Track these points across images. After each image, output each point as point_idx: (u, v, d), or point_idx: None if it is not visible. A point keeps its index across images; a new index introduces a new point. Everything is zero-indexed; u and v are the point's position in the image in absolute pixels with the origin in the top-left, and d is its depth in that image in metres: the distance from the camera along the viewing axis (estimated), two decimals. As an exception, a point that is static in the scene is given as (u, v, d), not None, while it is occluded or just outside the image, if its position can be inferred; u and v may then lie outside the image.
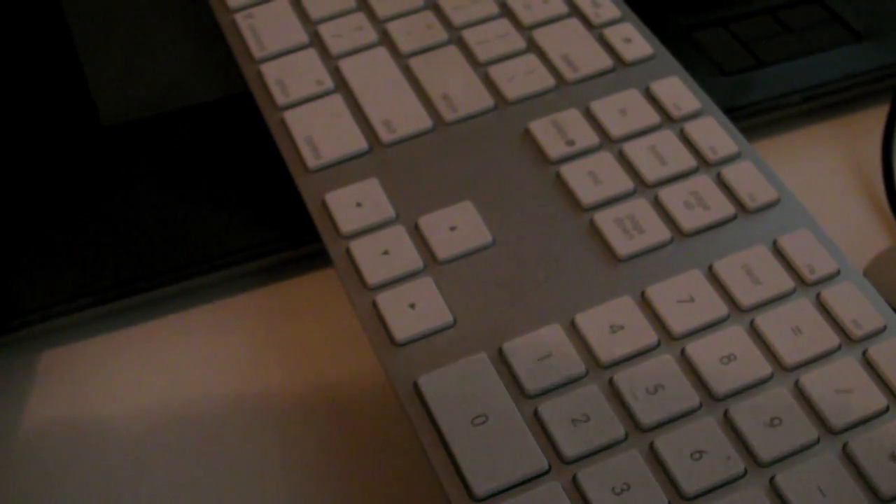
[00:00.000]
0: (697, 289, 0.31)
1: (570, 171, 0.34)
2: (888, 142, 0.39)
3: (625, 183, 0.33)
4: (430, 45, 0.38)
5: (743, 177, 0.33)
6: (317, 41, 0.38)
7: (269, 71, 0.37)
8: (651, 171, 0.34)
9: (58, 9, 0.42)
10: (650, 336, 0.30)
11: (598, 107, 0.35)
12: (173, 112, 0.39)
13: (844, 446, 0.28)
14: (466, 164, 0.34)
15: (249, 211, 0.36)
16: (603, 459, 0.28)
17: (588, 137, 0.35)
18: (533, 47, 0.38)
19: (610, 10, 0.38)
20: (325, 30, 0.38)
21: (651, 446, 0.28)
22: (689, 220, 0.32)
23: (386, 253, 0.32)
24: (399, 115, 0.36)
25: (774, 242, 0.32)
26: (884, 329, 0.30)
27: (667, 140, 0.34)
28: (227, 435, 0.33)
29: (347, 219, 0.33)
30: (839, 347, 0.30)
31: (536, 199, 0.33)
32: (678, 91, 0.36)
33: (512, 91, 0.36)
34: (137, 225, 0.36)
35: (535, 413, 0.29)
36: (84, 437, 0.33)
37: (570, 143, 0.35)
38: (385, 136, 0.35)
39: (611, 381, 0.29)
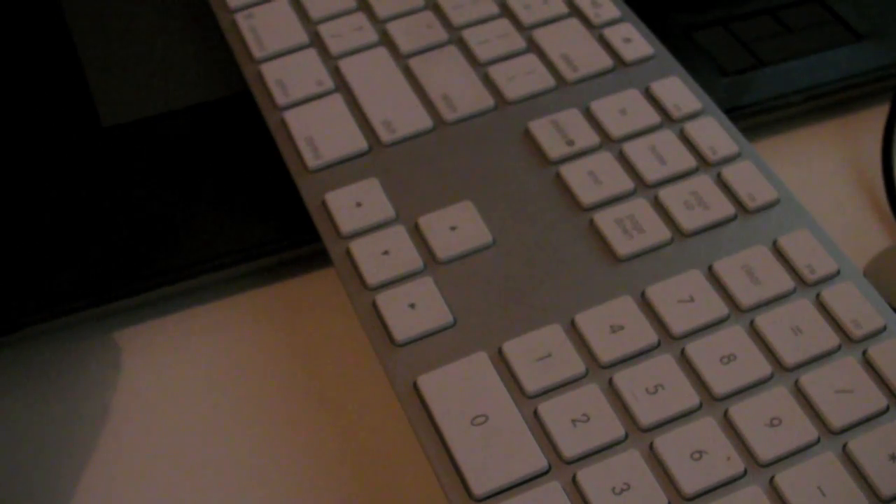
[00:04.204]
0: (697, 289, 0.31)
1: (570, 171, 0.34)
2: (888, 142, 0.39)
3: (625, 183, 0.33)
4: (430, 45, 0.38)
5: (743, 177, 0.33)
6: (317, 41, 0.38)
7: (269, 71, 0.37)
8: (651, 171, 0.34)
9: (58, 10, 0.42)
10: (650, 336, 0.30)
11: (598, 107, 0.35)
12: (173, 112, 0.39)
13: (844, 446, 0.28)
14: (466, 164, 0.34)
15: (249, 211, 0.36)
16: (603, 459, 0.28)
17: (588, 137, 0.35)
18: (533, 47, 0.38)
19: (610, 10, 0.38)
20: (325, 30, 0.38)
21: (651, 446, 0.28)
22: (689, 220, 0.32)
23: (386, 253, 0.32)
24: (399, 115, 0.36)
25: (774, 242, 0.32)
26: (884, 329, 0.30)
27: (667, 140, 0.34)
28: (227, 435, 0.33)
29: (347, 219, 0.33)
30: (839, 347, 0.30)
31: (536, 199, 0.33)
32: (678, 91, 0.36)
33: (512, 91, 0.36)
34: (137, 225, 0.36)
35: (535, 413, 0.29)
36: (82, 437, 0.33)
37: (570, 143, 0.35)
38: (385, 136, 0.35)
39: (611, 381, 0.29)
